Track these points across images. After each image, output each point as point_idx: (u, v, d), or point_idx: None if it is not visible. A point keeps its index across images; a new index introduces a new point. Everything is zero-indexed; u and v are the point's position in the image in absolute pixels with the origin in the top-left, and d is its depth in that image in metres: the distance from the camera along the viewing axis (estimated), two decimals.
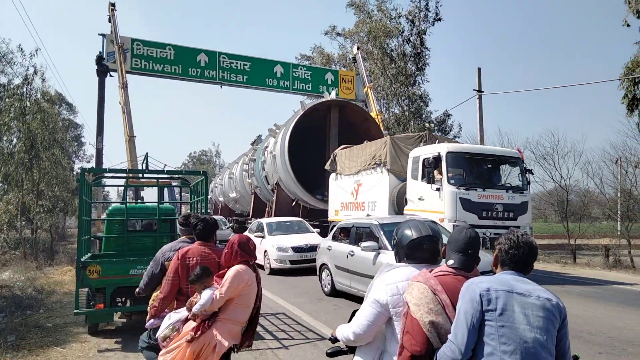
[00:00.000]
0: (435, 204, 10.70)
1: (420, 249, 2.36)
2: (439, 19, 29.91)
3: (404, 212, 11.61)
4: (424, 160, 11.12)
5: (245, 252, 3.37)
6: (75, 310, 6.24)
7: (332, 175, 15.90)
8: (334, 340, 2.48)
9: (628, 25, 14.66)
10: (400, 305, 2.20)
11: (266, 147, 20.42)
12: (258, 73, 23.14)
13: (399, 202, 12.05)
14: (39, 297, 9.31)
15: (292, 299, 9.11)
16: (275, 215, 18.02)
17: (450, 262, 2.24)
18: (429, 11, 29.81)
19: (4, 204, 15.12)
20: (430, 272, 2.20)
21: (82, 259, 6.32)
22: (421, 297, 2.08)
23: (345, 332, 2.35)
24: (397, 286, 2.27)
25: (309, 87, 24.38)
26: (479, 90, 20.31)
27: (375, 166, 13.01)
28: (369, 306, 2.30)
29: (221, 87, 22.85)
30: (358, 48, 26.13)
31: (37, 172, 15.69)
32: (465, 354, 1.90)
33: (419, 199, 11.13)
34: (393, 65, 29.78)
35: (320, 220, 17.07)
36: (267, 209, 21.05)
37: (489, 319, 1.90)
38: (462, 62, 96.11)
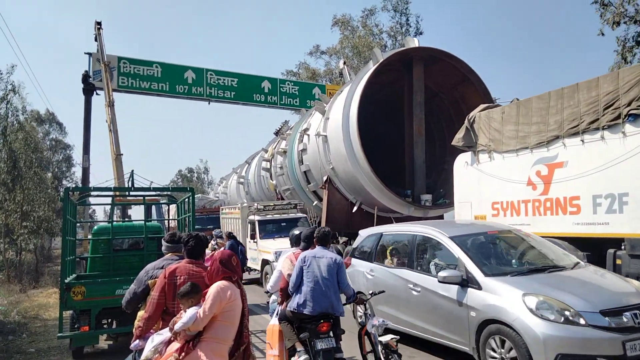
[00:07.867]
0: None
1: (301, 239, 5.16)
2: (420, 33, 30.61)
3: None
4: None
5: (227, 269, 3.32)
6: (59, 334, 6.08)
7: (463, 157, 9.53)
8: (268, 293, 5.60)
9: (602, 35, 14.92)
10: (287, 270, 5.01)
11: (306, 129, 14.49)
12: (245, 89, 23.13)
13: None
14: (22, 322, 9.06)
15: None
16: None
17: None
18: (410, 26, 30.48)
19: None
20: (295, 254, 4.98)
21: (66, 280, 6.17)
22: (284, 264, 5.05)
23: (267, 286, 5.43)
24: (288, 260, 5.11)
25: (296, 101, 24.42)
26: None
27: (612, 123, 6.64)
28: (276, 272, 5.24)
29: (209, 103, 22.80)
30: (344, 63, 26.34)
31: (20, 192, 15.41)
32: (295, 286, 4.60)
33: None
34: None
35: None
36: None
37: (304, 268, 4.59)
38: None
